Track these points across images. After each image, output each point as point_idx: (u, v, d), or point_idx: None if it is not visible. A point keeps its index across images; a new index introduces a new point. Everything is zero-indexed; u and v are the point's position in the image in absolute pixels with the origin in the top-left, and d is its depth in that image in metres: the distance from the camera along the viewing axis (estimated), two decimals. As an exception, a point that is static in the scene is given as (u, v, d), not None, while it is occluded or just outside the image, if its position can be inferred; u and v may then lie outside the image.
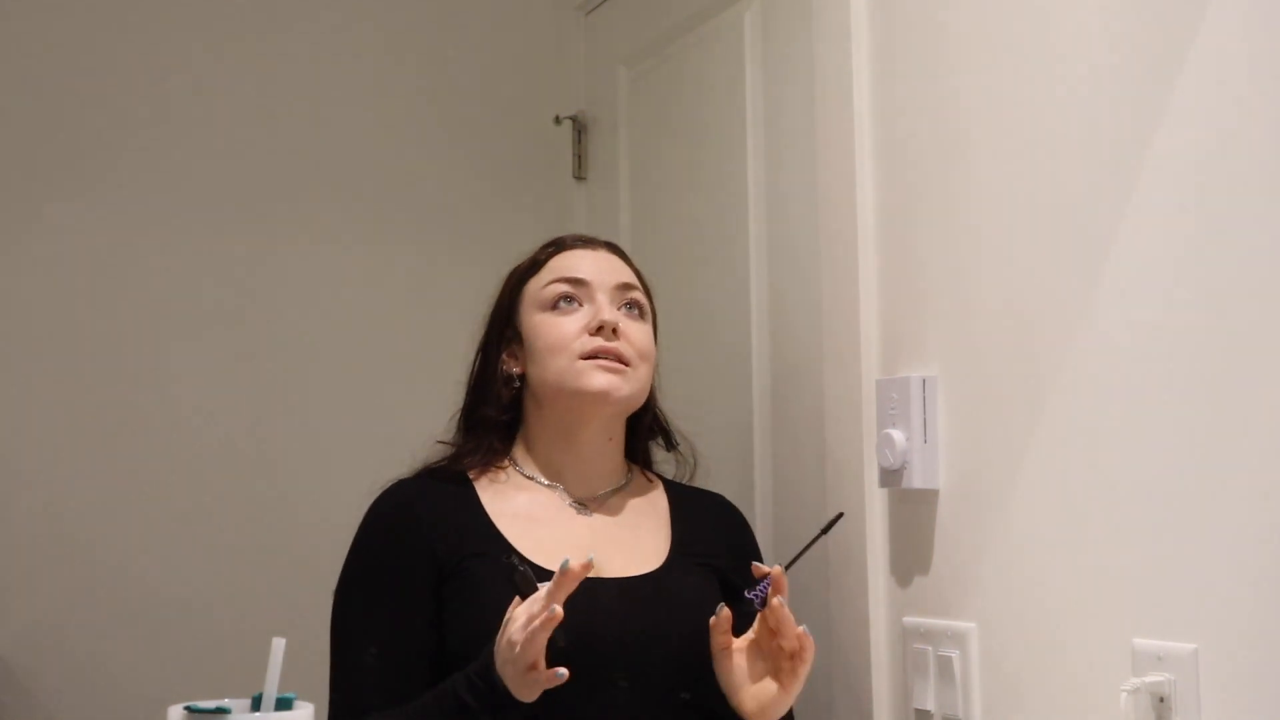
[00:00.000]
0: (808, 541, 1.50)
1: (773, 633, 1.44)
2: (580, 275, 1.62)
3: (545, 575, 1.38)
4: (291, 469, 2.41)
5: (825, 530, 1.51)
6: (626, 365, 1.58)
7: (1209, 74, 1.27)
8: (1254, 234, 1.22)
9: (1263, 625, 1.20)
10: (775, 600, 1.42)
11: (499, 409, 1.63)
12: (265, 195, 2.47)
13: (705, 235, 2.18)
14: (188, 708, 1.15)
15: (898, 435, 1.60)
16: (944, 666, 1.55)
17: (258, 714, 1.17)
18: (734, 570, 1.59)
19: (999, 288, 1.51)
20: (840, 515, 1.54)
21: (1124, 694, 1.28)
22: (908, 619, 1.63)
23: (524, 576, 1.36)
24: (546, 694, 1.37)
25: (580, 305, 1.61)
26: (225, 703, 1.18)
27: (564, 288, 1.61)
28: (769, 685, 1.46)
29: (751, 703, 1.47)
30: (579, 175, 2.60)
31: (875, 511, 1.69)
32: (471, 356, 1.68)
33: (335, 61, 2.55)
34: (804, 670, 1.45)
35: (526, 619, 1.31)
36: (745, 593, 1.45)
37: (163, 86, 2.41)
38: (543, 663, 1.31)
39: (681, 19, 2.27)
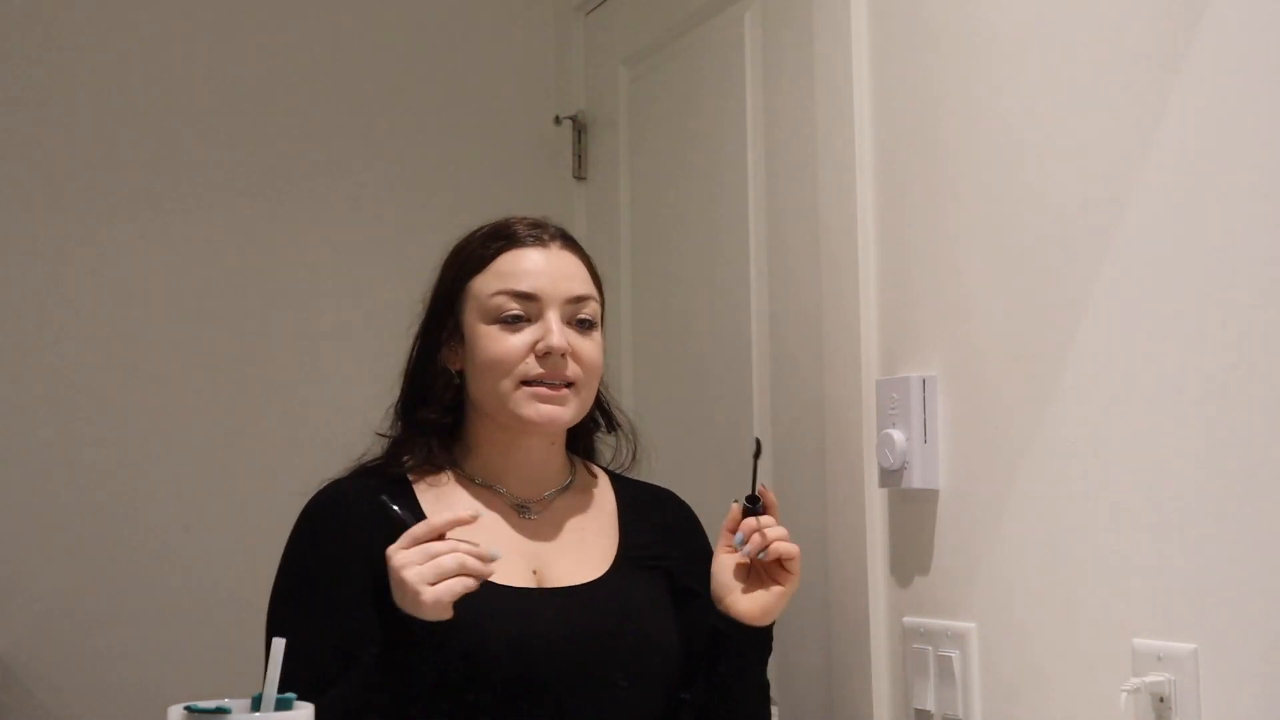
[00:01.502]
0: (750, 474, 1.52)
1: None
2: (529, 289, 1.51)
3: (484, 585, 1.36)
4: (292, 469, 2.39)
5: (757, 457, 1.52)
6: (571, 386, 1.51)
7: (1209, 74, 1.27)
8: (1252, 233, 1.22)
9: (1263, 625, 1.20)
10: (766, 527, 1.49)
11: (439, 411, 1.55)
12: (264, 194, 2.47)
13: (705, 235, 2.18)
14: (188, 708, 1.15)
15: (898, 435, 1.60)
16: (944, 666, 1.55)
17: (258, 714, 1.17)
18: (686, 574, 1.58)
19: (999, 288, 1.51)
20: (758, 441, 1.54)
21: (1124, 694, 1.28)
22: (908, 619, 1.63)
23: (399, 516, 1.38)
24: (496, 706, 1.36)
25: (528, 321, 1.51)
26: (225, 703, 1.18)
27: (511, 306, 1.51)
28: (767, 589, 1.50)
29: (748, 604, 1.50)
30: (579, 175, 2.60)
31: (875, 511, 1.69)
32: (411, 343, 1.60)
33: (335, 61, 2.55)
34: (794, 581, 1.51)
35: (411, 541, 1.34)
36: (736, 546, 1.51)
37: (163, 85, 2.42)
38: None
39: (681, 19, 2.27)
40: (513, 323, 1.51)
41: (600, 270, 1.63)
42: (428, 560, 1.32)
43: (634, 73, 2.45)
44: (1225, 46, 1.25)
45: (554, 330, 1.50)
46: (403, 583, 1.32)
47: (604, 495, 1.63)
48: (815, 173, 1.83)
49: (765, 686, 1.57)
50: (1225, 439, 1.24)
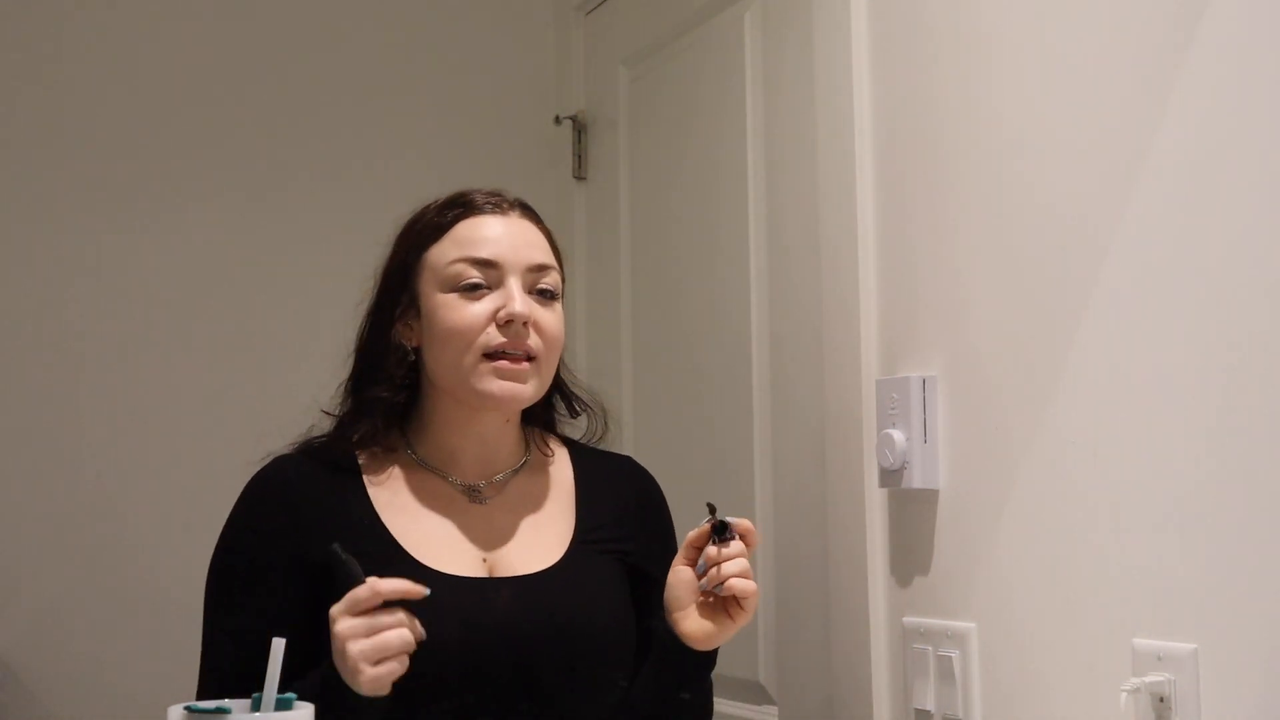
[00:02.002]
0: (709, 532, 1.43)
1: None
2: (489, 256, 1.46)
3: (431, 575, 1.35)
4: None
5: (713, 520, 1.43)
6: (532, 359, 1.46)
7: (1209, 74, 1.27)
8: (1252, 233, 1.22)
9: (1263, 625, 1.20)
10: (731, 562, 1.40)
11: (392, 389, 1.49)
12: (263, 193, 2.47)
13: (705, 235, 2.18)
14: (188, 708, 1.15)
15: (898, 435, 1.60)
16: (944, 666, 1.55)
17: (258, 714, 1.17)
18: (644, 558, 1.54)
19: (999, 288, 1.51)
20: (711, 507, 1.44)
21: (1124, 694, 1.28)
22: (908, 619, 1.63)
23: (349, 569, 1.29)
24: (447, 698, 1.33)
25: (488, 289, 1.45)
26: (225, 703, 1.18)
27: (471, 273, 1.45)
28: (716, 619, 1.42)
29: (695, 627, 1.42)
30: (579, 175, 2.60)
31: (875, 511, 1.69)
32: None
33: (335, 61, 2.55)
34: (746, 618, 1.42)
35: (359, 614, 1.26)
36: (689, 578, 1.43)
37: (162, 84, 2.42)
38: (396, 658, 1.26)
39: (681, 19, 2.27)
40: (472, 290, 1.45)
41: (561, 247, 1.58)
42: (372, 635, 1.26)
43: (634, 73, 2.45)
44: (1225, 46, 1.25)
45: (516, 297, 1.44)
46: (343, 654, 1.26)
47: (561, 472, 1.58)
48: (815, 173, 1.83)
49: (707, 692, 1.52)
50: (1225, 439, 1.24)
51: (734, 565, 1.40)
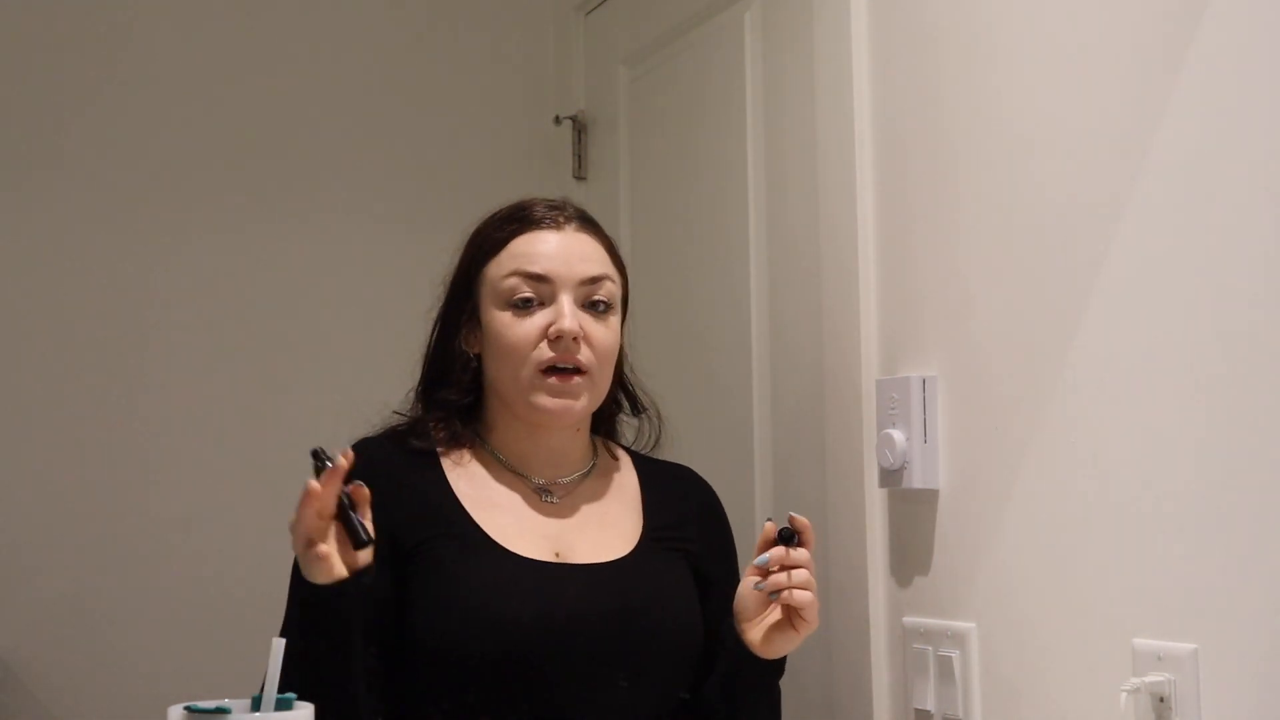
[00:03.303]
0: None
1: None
2: (541, 271, 1.50)
3: (509, 556, 1.41)
4: (291, 469, 2.40)
5: (778, 526, 1.45)
6: (584, 373, 1.50)
7: (1208, 74, 1.27)
8: (1253, 233, 1.22)
9: (1263, 625, 1.20)
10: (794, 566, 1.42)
11: (460, 392, 1.55)
12: (264, 194, 2.47)
13: (705, 235, 2.18)
14: (188, 708, 1.15)
15: (898, 435, 1.60)
16: (944, 666, 1.55)
17: (258, 714, 1.17)
18: (706, 561, 1.57)
19: (999, 288, 1.51)
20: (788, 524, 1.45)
21: (1124, 694, 1.28)
22: (908, 619, 1.63)
23: (320, 461, 1.34)
24: (517, 681, 1.36)
25: (541, 304, 1.50)
26: (225, 703, 1.18)
27: (523, 288, 1.50)
28: (782, 630, 1.44)
29: (760, 637, 1.45)
30: (579, 175, 2.60)
31: (875, 511, 1.69)
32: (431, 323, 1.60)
33: (335, 61, 2.55)
34: (809, 628, 1.44)
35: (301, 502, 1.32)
36: (754, 584, 1.44)
37: (165, 85, 2.42)
38: (321, 541, 1.31)
39: (681, 19, 2.27)
40: (524, 307, 1.49)
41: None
42: (295, 528, 1.32)
43: (634, 73, 2.45)
44: (1225, 46, 1.25)
45: (565, 313, 1.48)
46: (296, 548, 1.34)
47: (626, 476, 1.62)
48: (815, 172, 1.83)
49: (776, 700, 1.55)
50: (1225, 439, 1.24)
51: (799, 575, 1.42)
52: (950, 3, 1.60)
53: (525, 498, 1.54)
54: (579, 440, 1.58)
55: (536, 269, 1.50)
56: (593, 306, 1.52)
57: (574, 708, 1.42)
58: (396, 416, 1.58)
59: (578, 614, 1.44)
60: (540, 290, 1.50)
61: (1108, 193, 1.37)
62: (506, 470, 1.55)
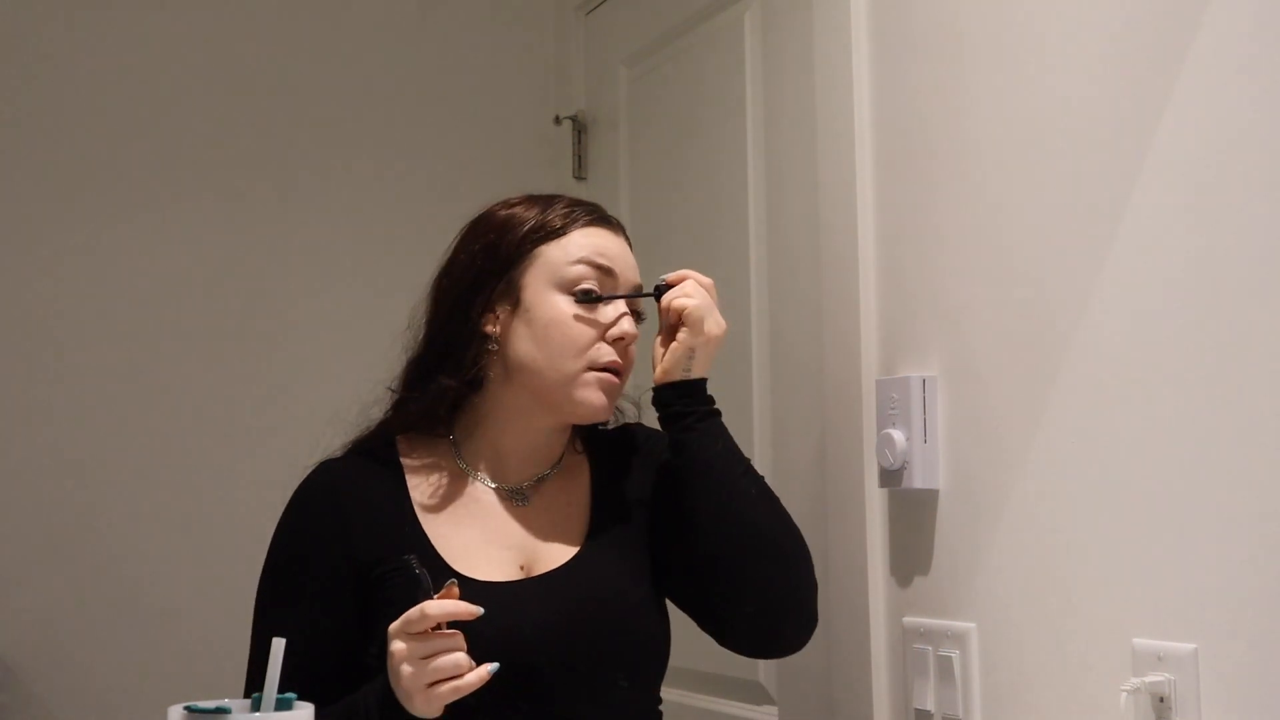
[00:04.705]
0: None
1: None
2: (611, 266, 1.49)
3: (467, 583, 1.35)
4: (290, 472, 2.41)
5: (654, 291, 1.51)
6: (621, 378, 1.50)
7: (1209, 74, 1.27)
8: (1253, 233, 1.22)
9: (1263, 625, 1.20)
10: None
11: (461, 379, 1.48)
12: (264, 194, 2.47)
13: (705, 235, 2.18)
14: (188, 708, 1.15)
15: (898, 435, 1.60)
16: (944, 666, 1.55)
17: (258, 714, 1.17)
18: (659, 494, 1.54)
19: (999, 287, 1.51)
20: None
21: (1124, 694, 1.28)
22: (908, 619, 1.63)
23: (421, 583, 1.29)
24: (492, 701, 1.32)
25: (599, 302, 1.48)
26: (225, 703, 1.18)
27: (590, 278, 1.48)
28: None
29: (657, 372, 1.49)
30: (579, 175, 2.60)
31: (875, 511, 1.69)
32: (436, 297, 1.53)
33: (335, 61, 2.55)
34: (692, 335, 1.48)
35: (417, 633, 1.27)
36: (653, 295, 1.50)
37: (164, 85, 2.42)
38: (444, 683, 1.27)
39: (681, 19, 2.27)
40: (585, 299, 1.47)
41: None
42: (426, 658, 1.27)
43: (634, 73, 2.45)
44: (1225, 46, 1.25)
45: (628, 316, 1.50)
46: (398, 675, 1.28)
47: (582, 466, 1.59)
48: (815, 172, 1.83)
49: (760, 483, 1.52)
50: (1225, 439, 1.24)
51: (674, 292, 1.49)
52: (950, 3, 1.60)
53: (494, 504, 1.51)
54: (560, 435, 1.56)
55: (607, 263, 1.49)
56: (635, 315, 1.53)
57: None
58: (388, 393, 1.55)
59: (539, 628, 1.41)
60: (603, 283, 1.49)
61: (1106, 193, 1.37)
62: (474, 482, 1.52)
